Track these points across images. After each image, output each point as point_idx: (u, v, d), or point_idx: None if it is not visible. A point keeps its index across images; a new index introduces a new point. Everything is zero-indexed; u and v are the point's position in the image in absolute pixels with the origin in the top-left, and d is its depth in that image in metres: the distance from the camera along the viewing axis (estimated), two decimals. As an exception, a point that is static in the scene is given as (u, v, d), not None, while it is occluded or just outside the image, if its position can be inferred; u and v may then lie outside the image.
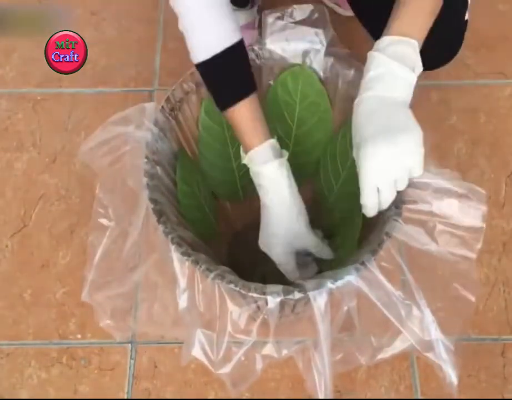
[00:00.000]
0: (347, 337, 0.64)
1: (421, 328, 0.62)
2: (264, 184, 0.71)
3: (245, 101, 0.69)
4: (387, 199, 0.61)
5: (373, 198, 0.61)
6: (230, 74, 0.70)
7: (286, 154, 0.72)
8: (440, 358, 0.62)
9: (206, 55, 0.68)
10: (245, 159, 0.72)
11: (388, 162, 0.60)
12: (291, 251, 0.74)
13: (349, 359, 0.66)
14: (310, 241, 0.74)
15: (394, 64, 0.62)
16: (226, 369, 0.65)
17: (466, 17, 0.85)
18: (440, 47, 0.83)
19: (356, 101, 0.64)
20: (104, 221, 0.68)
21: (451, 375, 0.62)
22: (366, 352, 0.65)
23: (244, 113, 0.70)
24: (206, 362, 0.65)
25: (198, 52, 0.69)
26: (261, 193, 0.72)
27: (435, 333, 0.62)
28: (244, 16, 1.13)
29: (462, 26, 0.86)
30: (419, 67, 0.64)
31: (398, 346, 0.63)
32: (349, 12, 1.13)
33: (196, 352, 0.65)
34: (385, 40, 0.64)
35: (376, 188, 0.61)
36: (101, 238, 0.68)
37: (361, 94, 0.64)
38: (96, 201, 0.69)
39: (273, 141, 0.71)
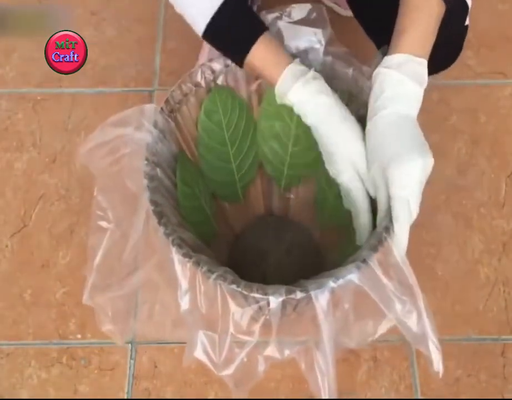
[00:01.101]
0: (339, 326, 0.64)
1: (414, 322, 0.62)
2: (299, 110, 0.71)
3: (259, 41, 0.69)
4: (415, 210, 0.63)
5: (407, 210, 0.62)
6: (236, 23, 0.70)
7: (311, 70, 0.71)
8: (430, 350, 0.63)
9: (207, 16, 0.68)
10: (277, 98, 0.72)
11: (423, 175, 0.62)
12: (358, 177, 0.71)
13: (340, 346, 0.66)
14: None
15: (410, 83, 0.65)
16: (229, 371, 0.65)
17: (467, 22, 0.85)
18: (439, 52, 0.83)
19: (376, 118, 0.66)
20: (103, 223, 0.68)
21: (438, 363, 0.62)
22: (356, 337, 0.66)
23: (261, 52, 0.70)
24: (208, 364, 0.65)
25: (198, 20, 0.69)
26: (304, 120, 0.72)
27: (427, 327, 0.62)
28: None
29: (462, 31, 0.86)
30: (426, 83, 0.66)
31: (385, 325, 0.64)
32: (348, 12, 1.13)
33: (199, 354, 0.65)
34: (396, 58, 0.66)
35: (407, 200, 0.62)
36: (101, 241, 0.68)
37: (382, 111, 0.65)
38: (94, 203, 0.69)
39: (292, 65, 0.70)
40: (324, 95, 0.70)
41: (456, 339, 0.90)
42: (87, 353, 0.89)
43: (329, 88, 0.71)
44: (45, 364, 0.88)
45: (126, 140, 0.70)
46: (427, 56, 0.67)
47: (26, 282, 0.95)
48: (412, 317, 0.62)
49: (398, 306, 0.61)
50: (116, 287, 0.67)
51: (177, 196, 0.74)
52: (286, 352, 0.66)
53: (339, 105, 0.70)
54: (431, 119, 1.08)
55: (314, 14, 0.77)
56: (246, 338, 0.63)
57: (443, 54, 0.88)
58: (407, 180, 0.62)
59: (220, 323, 0.63)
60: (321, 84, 0.71)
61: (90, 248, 0.68)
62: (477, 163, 1.05)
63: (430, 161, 0.63)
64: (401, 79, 0.65)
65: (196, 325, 0.65)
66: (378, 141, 0.65)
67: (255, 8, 1.16)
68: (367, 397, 0.86)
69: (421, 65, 0.66)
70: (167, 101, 0.75)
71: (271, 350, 0.65)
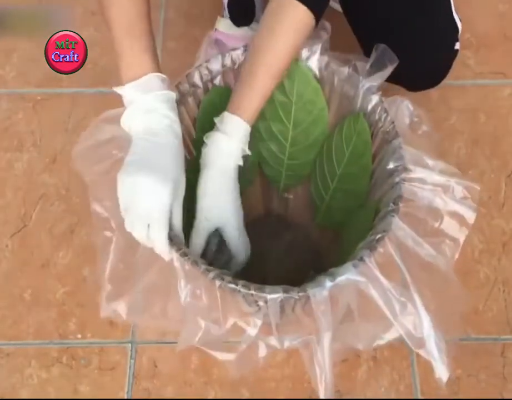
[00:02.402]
0: (346, 325, 0.65)
1: (414, 325, 0.62)
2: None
3: None
4: None
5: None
6: None
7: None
8: (431, 354, 0.63)
9: None
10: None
11: None
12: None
13: (347, 346, 0.66)
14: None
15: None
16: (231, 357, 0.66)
17: (457, 47, 0.86)
18: (426, 73, 0.84)
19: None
20: (107, 233, 0.69)
21: (440, 370, 0.62)
22: (364, 339, 0.66)
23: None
24: (209, 351, 0.67)
25: None
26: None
27: (427, 330, 0.62)
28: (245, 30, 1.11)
29: (451, 55, 0.87)
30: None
31: (394, 332, 0.64)
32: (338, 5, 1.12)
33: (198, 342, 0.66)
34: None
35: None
36: (107, 251, 0.68)
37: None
38: (94, 214, 0.69)
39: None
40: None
41: (455, 339, 0.90)
42: (87, 352, 0.89)
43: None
44: (45, 364, 0.88)
45: (121, 143, 0.70)
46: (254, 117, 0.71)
47: (26, 282, 0.95)
48: (412, 320, 0.62)
49: (397, 307, 0.61)
50: (128, 290, 0.68)
51: None
52: (286, 343, 0.66)
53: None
54: (431, 119, 1.08)
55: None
56: (246, 336, 0.64)
57: (429, 74, 0.89)
58: None
59: (219, 321, 0.63)
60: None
61: (100, 258, 0.68)
62: (477, 163, 1.05)
63: None
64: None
65: (195, 316, 0.65)
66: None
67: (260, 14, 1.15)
68: (367, 397, 0.86)
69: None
70: (165, 102, 0.75)
71: (271, 341, 0.66)
